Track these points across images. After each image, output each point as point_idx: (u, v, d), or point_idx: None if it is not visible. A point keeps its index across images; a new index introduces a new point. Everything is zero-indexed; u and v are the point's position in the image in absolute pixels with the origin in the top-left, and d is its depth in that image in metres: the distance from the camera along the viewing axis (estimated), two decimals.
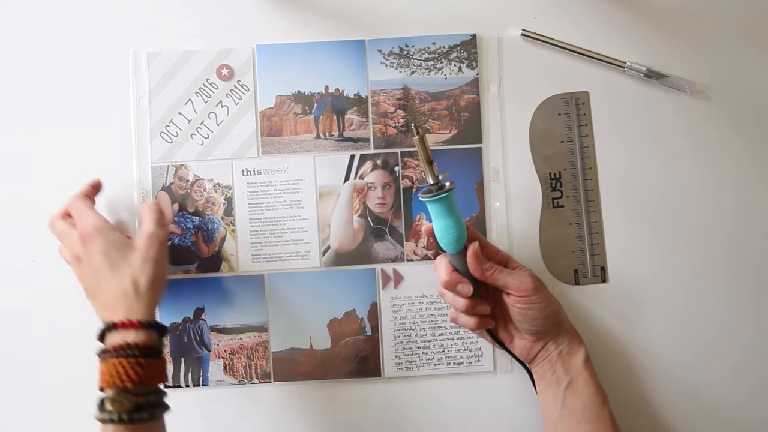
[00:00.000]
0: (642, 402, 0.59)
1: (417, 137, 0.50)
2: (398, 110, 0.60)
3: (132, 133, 0.60)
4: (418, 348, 0.60)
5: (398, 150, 0.60)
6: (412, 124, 0.51)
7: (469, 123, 0.60)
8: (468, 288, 0.52)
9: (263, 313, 0.60)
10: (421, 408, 0.60)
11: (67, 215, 0.54)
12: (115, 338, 0.48)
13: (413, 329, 0.60)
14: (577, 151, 0.60)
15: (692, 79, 0.59)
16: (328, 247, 0.60)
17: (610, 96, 0.60)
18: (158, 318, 0.59)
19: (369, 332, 0.60)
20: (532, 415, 0.58)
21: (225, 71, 0.60)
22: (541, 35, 0.60)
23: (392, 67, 0.60)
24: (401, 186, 0.60)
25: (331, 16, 0.61)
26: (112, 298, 0.49)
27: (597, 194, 0.60)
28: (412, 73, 0.60)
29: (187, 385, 0.59)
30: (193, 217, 0.60)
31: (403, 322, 0.60)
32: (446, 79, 0.60)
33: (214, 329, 0.59)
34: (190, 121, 0.60)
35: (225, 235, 0.60)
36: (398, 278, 0.60)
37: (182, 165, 0.60)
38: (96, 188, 0.57)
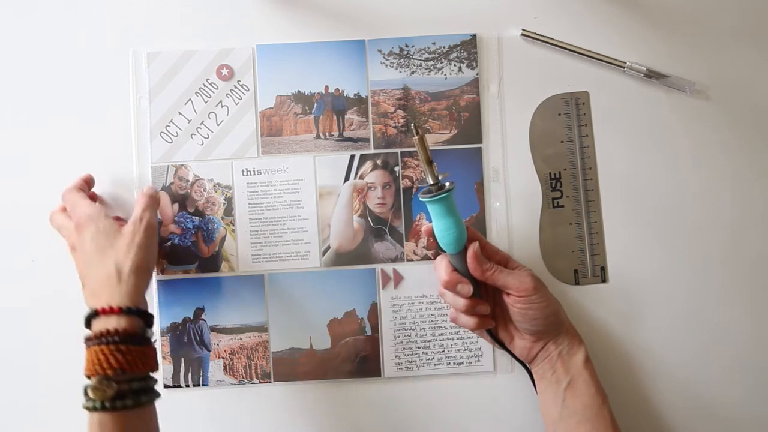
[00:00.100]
0: (642, 401, 0.59)
1: (417, 137, 0.50)
2: (398, 110, 0.60)
3: (132, 133, 0.60)
4: (418, 348, 0.60)
5: (398, 150, 0.60)
6: (412, 125, 0.51)
7: (469, 123, 0.60)
8: (468, 288, 0.52)
9: (263, 313, 0.60)
10: (421, 408, 0.60)
11: (66, 209, 0.55)
12: (98, 325, 0.47)
13: (413, 329, 0.60)
14: (577, 151, 0.60)
15: (692, 79, 0.59)
16: (328, 247, 0.60)
17: (610, 96, 0.60)
18: (158, 318, 0.59)
19: (369, 332, 0.60)
20: (532, 415, 0.58)
21: (225, 71, 0.60)
22: (541, 35, 0.60)
23: (392, 67, 0.60)
24: (401, 186, 0.60)
25: (331, 16, 0.61)
26: (97, 285, 0.49)
27: (597, 194, 0.60)
28: (412, 73, 0.60)
29: (187, 385, 0.59)
30: (193, 217, 0.60)
31: (403, 322, 0.60)
32: (446, 79, 0.60)
33: (214, 329, 0.59)
34: (190, 121, 0.60)
35: (225, 235, 0.60)
36: (398, 278, 0.60)
37: (182, 165, 0.60)
38: (88, 182, 0.57)
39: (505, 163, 0.60)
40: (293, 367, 0.59)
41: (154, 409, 0.49)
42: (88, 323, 0.49)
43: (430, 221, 0.53)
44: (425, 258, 0.60)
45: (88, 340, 0.47)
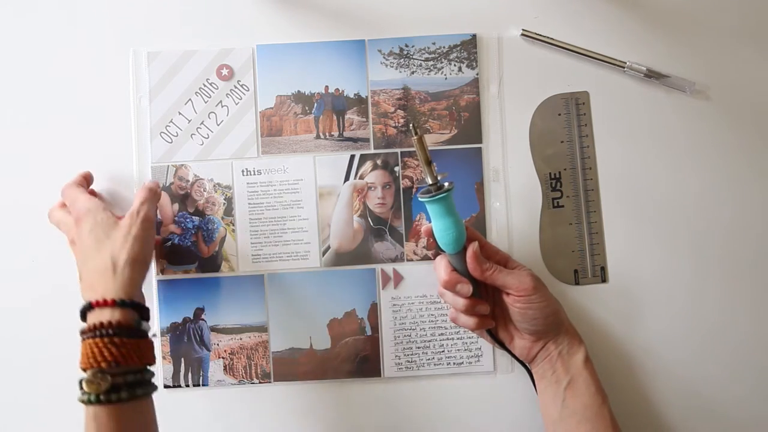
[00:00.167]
0: (642, 401, 0.59)
1: (416, 137, 0.50)
2: (398, 110, 0.60)
3: (132, 132, 0.60)
4: (418, 348, 0.60)
5: (398, 150, 0.60)
6: (411, 125, 0.51)
7: (469, 123, 0.60)
8: (467, 288, 0.52)
9: (263, 313, 0.60)
10: (421, 408, 0.60)
11: (65, 205, 0.55)
12: (92, 318, 0.47)
13: (413, 329, 0.60)
14: (577, 151, 0.60)
15: (692, 79, 0.59)
16: (328, 247, 0.60)
17: (610, 96, 0.60)
18: (158, 318, 0.59)
19: (369, 332, 0.60)
20: (532, 415, 0.58)
21: (225, 71, 0.60)
22: (541, 35, 0.60)
23: (392, 67, 0.60)
24: (401, 186, 0.60)
25: (331, 16, 0.61)
26: (93, 277, 0.49)
27: (597, 194, 0.60)
28: (412, 73, 0.60)
29: (187, 385, 0.59)
30: (193, 217, 0.60)
31: (403, 322, 0.60)
32: (446, 79, 0.60)
33: (214, 329, 0.59)
34: (190, 121, 0.60)
35: (225, 235, 0.60)
36: (398, 278, 0.60)
37: (182, 165, 0.60)
38: (87, 179, 0.57)
39: (505, 163, 0.60)
40: (293, 367, 0.59)
41: (151, 402, 0.49)
42: (83, 316, 0.48)
43: (430, 221, 0.53)
44: (425, 258, 0.60)
45: (83, 333, 0.47)
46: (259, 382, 0.59)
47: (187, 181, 0.60)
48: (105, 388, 0.45)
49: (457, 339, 0.60)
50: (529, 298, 0.51)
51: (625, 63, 0.59)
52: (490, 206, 0.60)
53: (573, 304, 0.60)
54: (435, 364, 0.60)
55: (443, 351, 0.60)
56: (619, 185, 0.60)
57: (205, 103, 0.60)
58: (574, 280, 0.60)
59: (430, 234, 0.53)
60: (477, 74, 0.60)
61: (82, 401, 0.45)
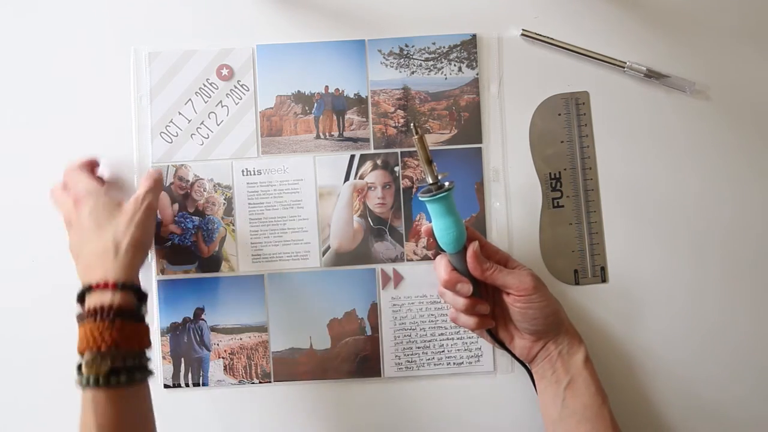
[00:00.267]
0: (642, 401, 0.59)
1: (416, 137, 0.50)
2: (398, 110, 0.60)
3: (132, 132, 0.60)
4: (418, 348, 0.60)
5: (398, 150, 0.60)
6: (412, 124, 0.51)
7: (469, 123, 0.60)
8: (468, 287, 0.52)
9: (263, 313, 0.60)
10: (421, 408, 0.60)
11: (67, 186, 0.55)
12: (92, 300, 0.47)
13: (413, 329, 0.60)
14: (577, 151, 0.60)
15: (692, 79, 0.59)
16: (328, 247, 0.60)
17: (610, 96, 0.60)
18: (158, 318, 0.59)
19: (369, 332, 0.60)
20: (532, 415, 0.58)
21: (225, 71, 0.60)
22: (541, 35, 0.60)
23: (392, 67, 0.60)
24: (401, 186, 0.60)
25: (331, 16, 0.61)
26: (92, 259, 0.49)
27: (597, 194, 0.60)
28: (412, 73, 0.60)
29: (187, 385, 0.59)
30: (193, 217, 0.60)
31: (403, 322, 0.60)
32: (446, 79, 0.60)
33: (214, 329, 0.59)
34: (190, 121, 0.60)
35: (225, 235, 0.60)
36: (398, 278, 0.60)
37: (182, 165, 0.60)
38: (93, 165, 0.57)
39: (505, 163, 0.60)
40: (293, 367, 0.59)
41: (147, 388, 0.49)
42: (81, 299, 0.48)
43: (430, 221, 0.53)
44: (425, 258, 0.60)
45: (81, 315, 0.47)
46: (259, 382, 0.59)
47: (187, 181, 0.60)
48: (105, 371, 0.45)
49: (457, 339, 0.60)
50: (530, 298, 0.51)
51: (625, 63, 0.59)
52: (490, 206, 0.60)
53: (573, 304, 0.60)
54: (435, 364, 0.60)
55: (443, 351, 0.60)
56: (619, 185, 0.60)
57: (205, 103, 0.60)
58: (574, 280, 0.60)
59: (431, 234, 0.53)
60: (477, 74, 0.60)
61: (81, 384, 0.45)
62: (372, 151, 0.60)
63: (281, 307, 0.60)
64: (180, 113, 0.60)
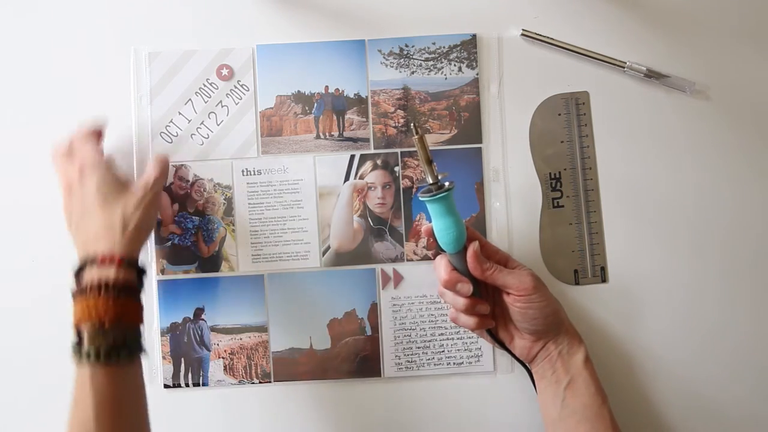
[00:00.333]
0: (642, 401, 0.59)
1: (416, 137, 0.50)
2: (398, 110, 0.60)
3: (132, 132, 0.60)
4: (418, 348, 0.60)
5: (398, 150, 0.60)
6: (412, 124, 0.51)
7: (469, 123, 0.60)
8: (468, 287, 0.52)
9: (263, 313, 0.60)
10: (421, 408, 0.60)
11: (71, 151, 0.54)
12: (96, 273, 0.47)
13: (413, 329, 0.60)
14: (577, 151, 0.60)
15: (692, 79, 0.59)
16: (328, 247, 0.60)
17: (610, 96, 0.60)
18: (158, 318, 0.59)
19: (369, 332, 0.60)
20: (532, 415, 0.58)
21: (225, 71, 0.60)
22: (541, 35, 0.60)
23: (392, 67, 0.60)
24: (401, 186, 0.60)
25: (331, 16, 0.61)
26: (97, 230, 0.49)
27: (597, 194, 0.60)
28: (412, 73, 0.60)
29: (187, 385, 0.59)
30: (193, 217, 0.60)
31: (403, 322, 0.60)
32: (446, 79, 0.60)
33: (214, 329, 0.59)
34: (190, 121, 0.60)
35: (225, 235, 0.60)
36: (398, 278, 0.60)
37: (182, 165, 0.60)
38: (99, 135, 0.56)
39: (505, 163, 0.60)
40: (293, 367, 0.59)
41: (141, 367, 0.49)
42: (80, 270, 0.48)
43: (430, 221, 0.53)
44: (425, 258, 0.60)
45: (82, 288, 0.47)
46: (259, 382, 0.59)
47: (187, 181, 0.60)
48: (107, 346, 0.45)
49: (457, 339, 0.60)
50: (530, 298, 0.51)
51: (625, 63, 0.59)
52: (490, 206, 0.60)
53: (573, 304, 0.60)
54: (435, 364, 0.60)
55: (443, 351, 0.60)
56: (619, 185, 0.60)
57: (205, 103, 0.60)
58: (574, 280, 0.60)
59: (431, 233, 0.53)
60: (477, 74, 0.60)
61: (80, 359, 0.45)
62: (372, 151, 0.60)
63: (281, 307, 0.60)
64: (180, 113, 0.60)
